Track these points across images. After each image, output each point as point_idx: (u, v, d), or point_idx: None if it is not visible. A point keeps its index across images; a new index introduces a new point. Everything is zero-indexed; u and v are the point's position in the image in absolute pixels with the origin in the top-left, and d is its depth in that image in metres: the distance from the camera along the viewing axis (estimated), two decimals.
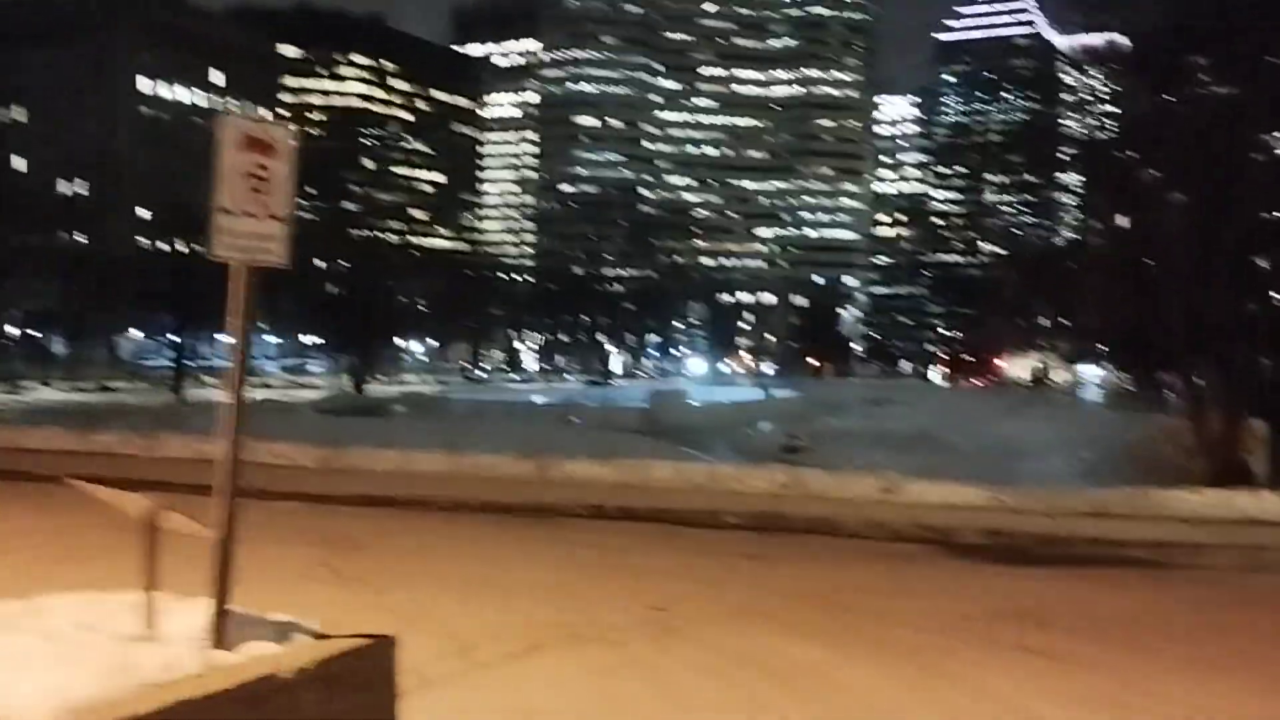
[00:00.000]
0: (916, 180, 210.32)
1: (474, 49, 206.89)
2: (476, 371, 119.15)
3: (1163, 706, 6.83)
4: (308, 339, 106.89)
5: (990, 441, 48.43)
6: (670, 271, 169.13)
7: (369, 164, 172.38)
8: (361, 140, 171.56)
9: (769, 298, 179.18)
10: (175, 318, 69.81)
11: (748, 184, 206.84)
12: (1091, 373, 75.39)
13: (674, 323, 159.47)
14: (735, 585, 10.72)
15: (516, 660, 7.48)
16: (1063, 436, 52.27)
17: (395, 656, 4.38)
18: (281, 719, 3.71)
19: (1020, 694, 7.00)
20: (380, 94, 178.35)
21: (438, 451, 21.21)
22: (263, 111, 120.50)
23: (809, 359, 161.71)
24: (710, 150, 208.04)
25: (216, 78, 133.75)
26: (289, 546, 11.67)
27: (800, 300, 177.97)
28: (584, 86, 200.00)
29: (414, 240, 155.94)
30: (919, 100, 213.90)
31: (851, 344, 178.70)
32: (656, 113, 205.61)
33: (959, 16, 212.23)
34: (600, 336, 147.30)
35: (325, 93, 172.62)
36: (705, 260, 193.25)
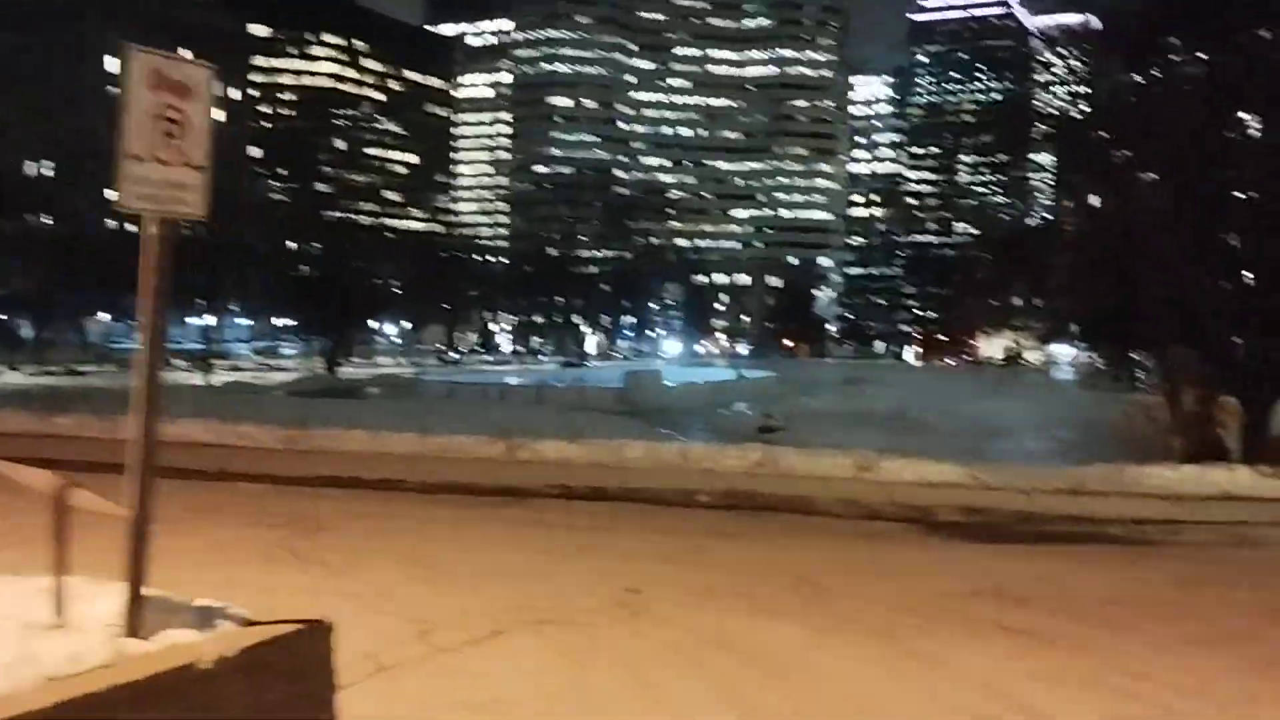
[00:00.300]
0: (891, 161, 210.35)
1: (447, 29, 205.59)
2: (451, 354, 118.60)
3: (1143, 684, 6.68)
4: (280, 321, 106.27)
5: (966, 420, 48.67)
6: (645, 253, 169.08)
7: (341, 145, 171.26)
8: (334, 121, 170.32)
9: (744, 278, 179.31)
10: None
11: (722, 164, 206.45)
12: (1064, 352, 75.64)
13: (649, 304, 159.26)
14: (708, 565, 10.51)
15: (478, 645, 7.20)
16: (1037, 415, 52.63)
17: (332, 643, 4.04)
18: (200, 713, 3.38)
19: (999, 673, 6.83)
20: (352, 74, 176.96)
21: (408, 433, 20.93)
22: (233, 92, 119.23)
23: (784, 340, 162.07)
24: (685, 131, 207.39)
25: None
26: (250, 528, 11.45)
27: (775, 281, 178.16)
28: (558, 67, 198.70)
29: (387, 222, 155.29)
30: (893, 80, 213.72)
31: (826, 324, 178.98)
32: (631, 93, 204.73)
33: None
34: (575, 318, 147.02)
35: (296, 73, 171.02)
36: (680, 241, 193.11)
